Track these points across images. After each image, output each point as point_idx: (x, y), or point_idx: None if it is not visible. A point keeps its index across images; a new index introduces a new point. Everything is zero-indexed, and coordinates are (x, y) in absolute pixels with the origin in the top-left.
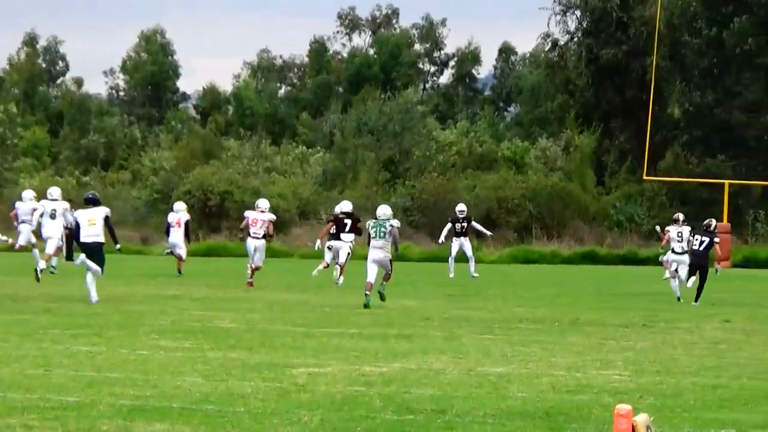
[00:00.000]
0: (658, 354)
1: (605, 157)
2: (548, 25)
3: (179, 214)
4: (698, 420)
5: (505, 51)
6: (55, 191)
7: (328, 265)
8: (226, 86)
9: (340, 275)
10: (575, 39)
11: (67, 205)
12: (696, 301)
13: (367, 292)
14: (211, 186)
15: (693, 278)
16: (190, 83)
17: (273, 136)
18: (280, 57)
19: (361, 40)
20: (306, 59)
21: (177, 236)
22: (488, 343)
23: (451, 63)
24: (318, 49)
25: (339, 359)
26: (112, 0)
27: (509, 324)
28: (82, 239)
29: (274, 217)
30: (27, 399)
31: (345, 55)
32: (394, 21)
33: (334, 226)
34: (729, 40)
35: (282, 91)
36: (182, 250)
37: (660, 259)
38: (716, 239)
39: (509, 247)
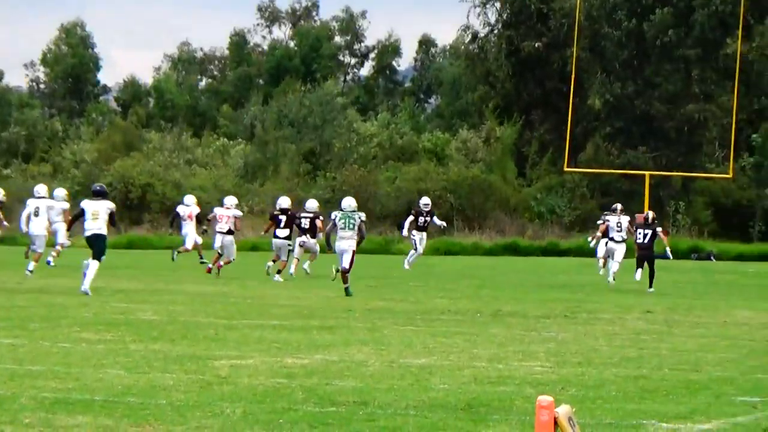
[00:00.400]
0: (579, 345)
1: (526, 148)
2: (468, 17)
3: (191, 207)
4: (620, 411)
5: (426, 43)
6: (41, 189)
7: (278, 259)
8: (147, 79)
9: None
10: (495, 31)
11: (51, 202)
12: (650, 287)
13: (347, 285)
14: (132, 178)
15: (640, 270)
16: (110, 76)
17: (194, 128)
18: (201, 49)
19: (282, 32)
20: (226, 52)
21: (189, 228)
22: (410, 334)
23: (372, 55)
24: (238, 41)
25: (261, 351)
26: None
27: (431, 316)
28: (85, 232)
29: (240, 213)
30: None
31: (265, 47)
32: (314, 13)
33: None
34: (649, 32)
35: (202, 84)
36: (191, 240)
37: (593, 246)
38: (658, 229)
39: (431, 239)
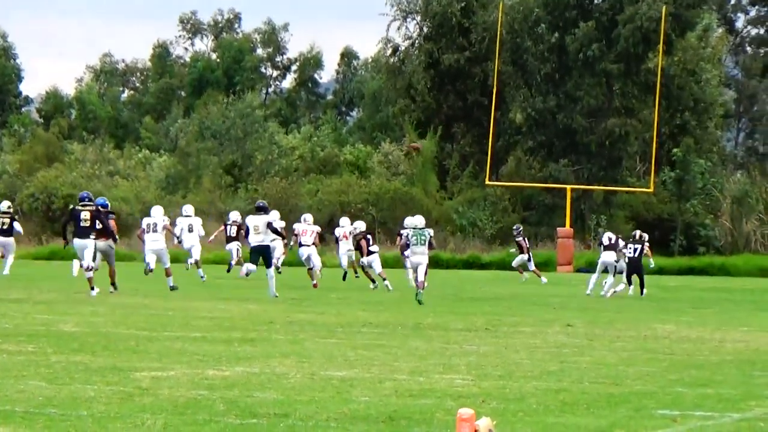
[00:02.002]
0: (500, 358)
1: (447, 161)
2: (388, 30)
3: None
4: (541, 424)
5: (347, 56)
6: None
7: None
8: (69, 90)
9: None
10: (416, 44)
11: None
12: (642, 293)
13: (420, 290)
14: (55, 189)
15: (631, 287)
16: (32, 87)
17: (116, 139)
18: (123, 61)
19: (204, 44)
20: (149, 63)
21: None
22: (331, 347)
23: (294, 67)
24: (161, 53)
25: (182, 363)
26: None
27: (352, 328)
28: (251, 244)
29: (318, 228)
30: None
31: (187, 59)
32: (236, 25)
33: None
34: (571, 46)
35: (125, 95)
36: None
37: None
38: (646, 245)
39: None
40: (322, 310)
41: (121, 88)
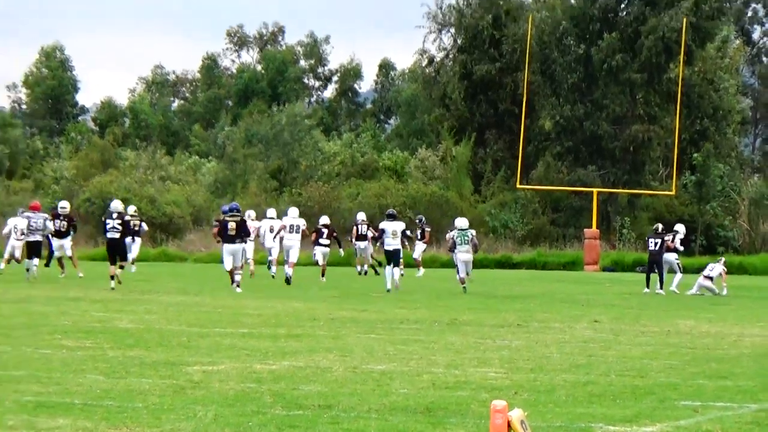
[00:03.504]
0: (531, 352)
1: (481, 166)
2: (424, 42)
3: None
4: (570, 414)
5: (385, 67)
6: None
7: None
8: (123, 100)
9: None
10: (450, 55)
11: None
12: (661, 288)
13: (464, 285)
14: (110, 194)
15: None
16: (88, 97)
17: (167, 146)
18: (173, 72)
19: (249, 56)
20: (198, 74)
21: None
22: (372, 342)
23: (335, 78)
24: (209, 65)
25: (231, 358)
26: (13, 18)
27: (391, 324)
28: (386, 246)
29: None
30: None
31: (234, 70)
32: (280, 38)
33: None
34: (596, 57)
35: (175, 105)
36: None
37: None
38: (666, 238)
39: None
40: (363, 308)
41: (171, 98)
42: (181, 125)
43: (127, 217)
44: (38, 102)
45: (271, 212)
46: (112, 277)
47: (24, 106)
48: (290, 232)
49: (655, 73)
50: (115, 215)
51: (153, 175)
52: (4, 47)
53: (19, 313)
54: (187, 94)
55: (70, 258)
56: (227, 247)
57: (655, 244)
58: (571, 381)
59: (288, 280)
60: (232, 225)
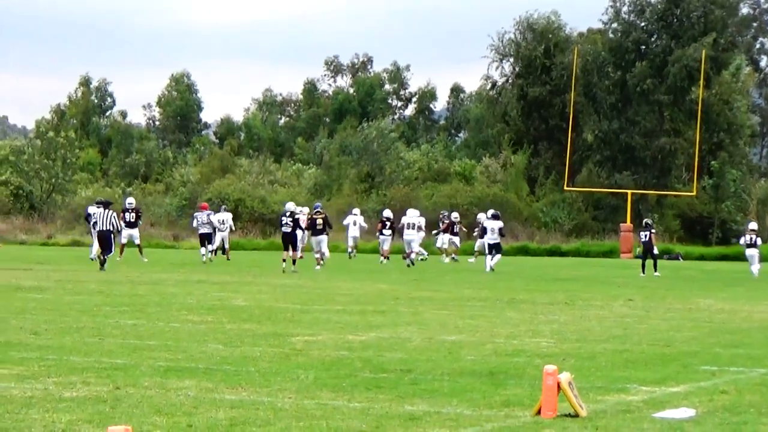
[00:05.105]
0: (576, 325)
1: (534, 172)
2: (488, 69)
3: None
4: (609, 377)
5: (456, 90)
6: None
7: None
8: (239, 117)
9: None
10: (510, 80)
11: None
12: (656, 271)
13: (491, 265)
14: (227, 195)
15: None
16: (210, 115)
17: (275, 156)
18: (280, 94)
19: (344, 81)
20: (300, 96)
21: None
22: (444, 317)
23: (414, 99)
24: (310, 88)
25: (328, 330)
26: (148, 49)
27: (460, 302)
28: (489, 240)
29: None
30: (85, 361)
31: (330, 93)
32: (369, 66)
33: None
34: (630, 81)
35: (282, 121)
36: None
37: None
38: (653, 230)
39: (463, 243)
40: (437, 288)
41: (279, 116)
42: (287, 138)
43: (298, 215)
44: (169, 119)
45: (356, 210)
46: (285, 261)
47: (157, 123)
48: (408, 228)
49: (679, 95)
50: (288, 213)
51: (263, 179)
52: (139, 74)
53: (153, 294)
54: (292, 113)
55: (138, 245)
56: (314, 238)
57: (646, 236)
58: (609, 349)
59: (410, 264)
60: (319, 220)
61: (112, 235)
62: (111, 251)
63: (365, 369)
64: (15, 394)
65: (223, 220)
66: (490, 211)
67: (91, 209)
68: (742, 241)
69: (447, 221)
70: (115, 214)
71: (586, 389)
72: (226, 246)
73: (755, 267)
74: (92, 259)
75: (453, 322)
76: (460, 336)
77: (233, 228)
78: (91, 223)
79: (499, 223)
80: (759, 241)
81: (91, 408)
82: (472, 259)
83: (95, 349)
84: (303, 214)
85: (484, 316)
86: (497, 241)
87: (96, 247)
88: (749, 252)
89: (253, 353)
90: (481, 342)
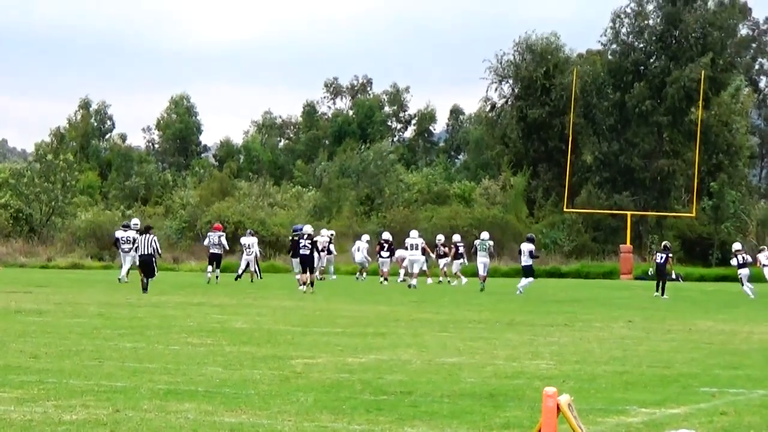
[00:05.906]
0: (576, 347)
1: (534, 193)
2: (487, 91)
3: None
4: (609, 399)
5: (456, 112)
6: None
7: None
8: (238, 140)
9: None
10: (509, 102)
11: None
12: (663, 295)
13: (482, 283)
14: (227, 217)
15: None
16: (209, 137)
17: (275, 178)
18: (280, 117)
19: (343, 103)
20: (300, 119)
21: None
22: (444, 339)
23: (413, 121)
24: (309, 110)
25: (328, 352)
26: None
27: (460, 324)
28: (522, 264)
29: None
30: (85, 384)
31: (330, 115)
32: (368, 88)
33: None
34: (629, 102)
35: (281, 144)
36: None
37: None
38: (670, 254)
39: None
40: (437, 311)
41: (278, 138)
42: (286, 160)
43: (316, 238)
44: (168, 142)
45: (365, 236)
46: (304, 284)
47: (157, 145)
48: (411, 249)
49: (678, 116)
50: (305, 236)
51: (263, 201)
52: (140, 97)
53: (153, 316)
54: (291, 135)
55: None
56: (296, 261)
57: (662, 257)
58: (609, 371)
59: (410, 286)
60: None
61: (154, 259)
62: (153, 275)
63: (365, 391)
64: (14, 417)
65: (249, 245)
66: (528, 235)
67: (119, 233)
68: (734, 262)
69: (453, 247)
70: (156, 238)
71: (586, 411)
72: (252, 268)
73: (748, 286)
74: (119, 280)
75: (453, 344)
76: (460, 358)
77: (259, 253)
78: (133, 247)
79: (531, 246)
80: (750, 259)
81: (90, 431)
82: (454, 282)
83: (95, 372)
84: (323, 236)
85: (484, 338)
86: (529, 263)
87: (125, 269)
88: (743, 271)
89: (253, 376)
90: (481, 364)
